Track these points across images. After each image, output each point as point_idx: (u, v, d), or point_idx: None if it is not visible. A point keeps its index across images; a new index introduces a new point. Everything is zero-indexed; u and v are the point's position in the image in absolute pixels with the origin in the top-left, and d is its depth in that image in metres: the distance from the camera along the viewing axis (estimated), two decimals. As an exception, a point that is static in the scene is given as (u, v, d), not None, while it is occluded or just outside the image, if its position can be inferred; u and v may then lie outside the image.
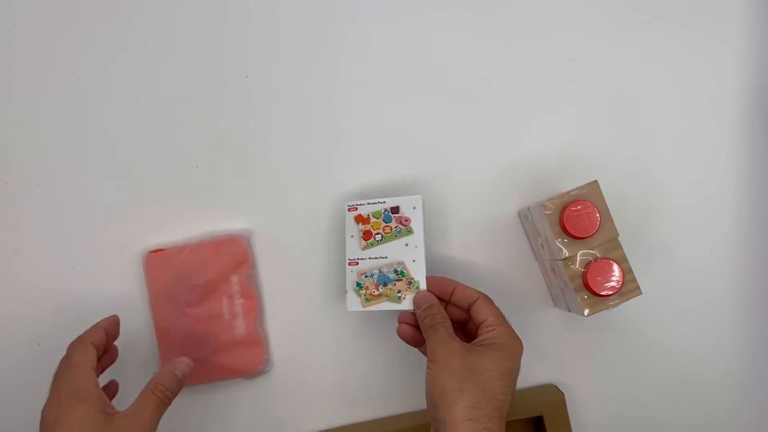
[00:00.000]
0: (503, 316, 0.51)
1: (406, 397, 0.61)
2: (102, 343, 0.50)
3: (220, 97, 0.61)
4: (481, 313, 0.51)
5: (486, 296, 0.52)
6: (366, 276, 0.56)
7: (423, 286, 0.55)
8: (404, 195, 0.57)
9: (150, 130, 0.61)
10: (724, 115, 0.63)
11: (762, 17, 0.64)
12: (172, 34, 0.61)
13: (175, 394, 0.48)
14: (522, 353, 0.49)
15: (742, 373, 0.63)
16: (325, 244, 0.61)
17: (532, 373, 0.62)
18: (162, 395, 0.46)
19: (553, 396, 0.59)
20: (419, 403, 0.61)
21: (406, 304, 0.55)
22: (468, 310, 0.52)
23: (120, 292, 0.60)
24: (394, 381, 0.61)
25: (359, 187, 0.61)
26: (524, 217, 0.60)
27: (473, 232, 0.62)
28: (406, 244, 0.55)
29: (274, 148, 0.61)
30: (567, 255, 0.53)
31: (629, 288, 0.53)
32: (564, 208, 0.53)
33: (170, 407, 0.47)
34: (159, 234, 0.60)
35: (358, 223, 0.57)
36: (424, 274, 0.55)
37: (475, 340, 0.49)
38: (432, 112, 0.62)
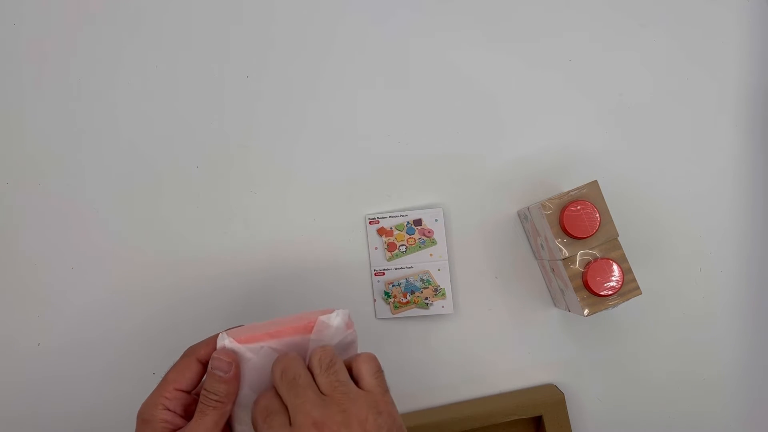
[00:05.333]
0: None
1: (405, 396, 0.61)
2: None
3: (219, 97, 0.61)
4: None
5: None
6: (393, 285, 0.60)
7: (449, 293, 0.59)
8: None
9: (150, 130, 0.61)
10: (724, 115, 0.63)
11: (762, 18, 0.64)
12: (172, 34, 0.61)
13: (228, 393, 0.41)
14: None
15: (742, 373, 0.63)
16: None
17: (532, 373, 0.62)
18: (214, 403, 0.40)
19: (553, 396, 0.59)
20: (418, 402, 0.61)
21: (434, 310, 0.60)
22: None
23: (120, 292, 0.60)
24: (391, 382, 0.61)
25: (359, 185, 0.61)
26: (524, 217, 0.60)
27: (473, 232, 0.62)
28: (431, 255, 0.60)
29: (274, 148, 0.61)
30: (567, 255, 0.53)
31: (629, 288, 0.53)
32: (564, 208, 0.53)
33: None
34: (160, 234, 0.60)
35: (381, 236, 0.60)
36: (450, 281, 0.60)
37: None
38: (432, 112, 0.62)
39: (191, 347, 0.44)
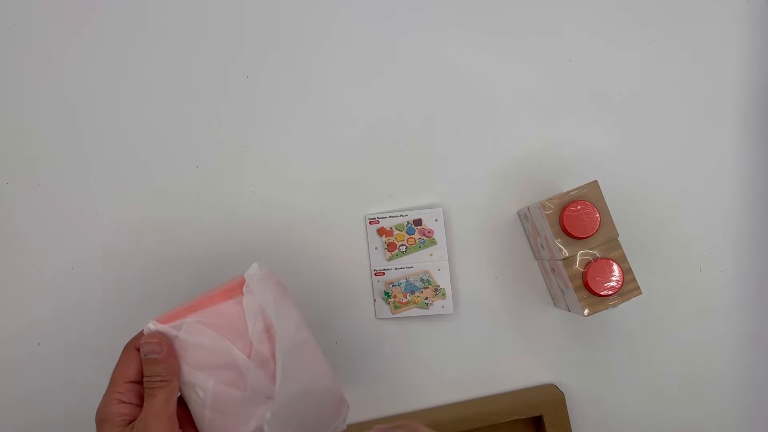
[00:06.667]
0: None
1: (405, 396, 0.61)
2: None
3: (219, 98, 0.61)
4: None
5: None
6: (393, 285, 0.60)
7: (449, 293, 0.59)
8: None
9: (150, 130, 0.61)
10: (724, 115, 0.63)
11: (762, 19, 0.64)
12: (172, 34, 0.61)
13: (169, 370, 0.42)
14: None
15: (742, 373, 0.63)
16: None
17: (532, 373, 0.62)
18: (160, 383, 0.41)
19: (553, 396, 0.59)
20: (418, 402, 0.61)
21: (434, 310, 0.59)
22: None
23: (120, 292, 0.60)
24: (392, 381, 0.61)
25: (359, 185, 0.61)
26: (524, 217, 0.60)
27: (473, 232, 0.62)
28: (431, 255, 0.60)
29: (273, 148, 0.61)
30: (567, 255, 0.53)
31: (629, 288, 0.53)
32: (564, 208, 0.53)
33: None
34: (160, 235, 0.60)
35: (381, 236, 0.60)
36: (450, 281, 0.60)
37: None
38: (432, 112, 0.62)
39: (128, 342, 0.44)
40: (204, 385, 0.43)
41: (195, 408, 0.43)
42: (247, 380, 0.43)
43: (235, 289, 0.45)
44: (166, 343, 0.42)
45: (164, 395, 0.41)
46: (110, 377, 0.43)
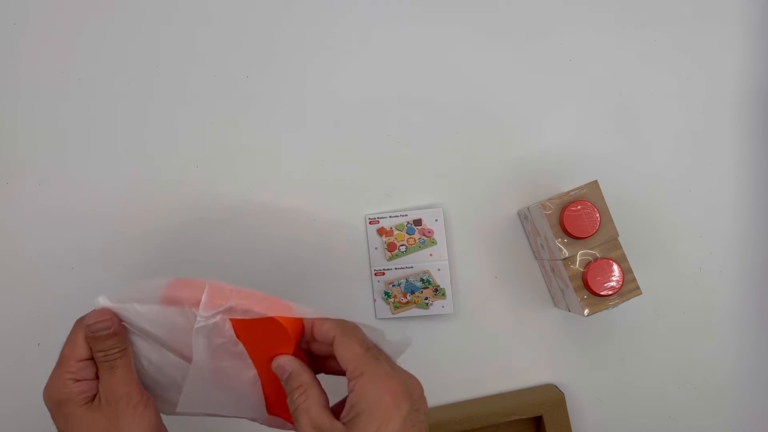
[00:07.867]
0: (371, 349, 0.39)
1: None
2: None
3: (220, 97, 0.61)
4: (342, 358, 0.39)
5: (346, 329, 0.40)
6: (393, 285, 0.60)
7: (449, 293, 0.59)
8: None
9: (150, 130, 0.61)
10: (724, 116, 0.63)
11: (762, 19, 0.64)
12: (172, 34, 0.61)
13: (122, 341, 0.41)
14: (408, 397, 0.37)
15: (742, 373, 0.63)
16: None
17: (532, 373, 0.62)
18: (116, 354, 0.41)
19: (553, 396, 0.59)
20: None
21: (434, 310, 0.60)
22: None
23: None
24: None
25: (358, 185, 0.61)
26: (524, 217, 0.60)
27: (473, 232, 0.62)
28: (431, 255, 0.60)
29: (273, 148, 0.61)
30: (567, 255, 0.53)
31: (629, 288, 0.53)
32: (564, 208, 0.53)
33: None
34: (160, 235, 0.60)
35: (381, 236, 0.60)
36: (450, 281, 0.60)
37: (343, 412, 0.38)
38: (432, 112, 0.62)
39: (78, 319, 0.44)
40: (149, 357, 0.43)
41: (137, 368, 0.43)
42: (185, 382, 0.43)
43: (184, 302, 0.41)
44: (112, 317, 0.42)
45: (125, 363, 0.41)
46: (59, 356, 0.42)
